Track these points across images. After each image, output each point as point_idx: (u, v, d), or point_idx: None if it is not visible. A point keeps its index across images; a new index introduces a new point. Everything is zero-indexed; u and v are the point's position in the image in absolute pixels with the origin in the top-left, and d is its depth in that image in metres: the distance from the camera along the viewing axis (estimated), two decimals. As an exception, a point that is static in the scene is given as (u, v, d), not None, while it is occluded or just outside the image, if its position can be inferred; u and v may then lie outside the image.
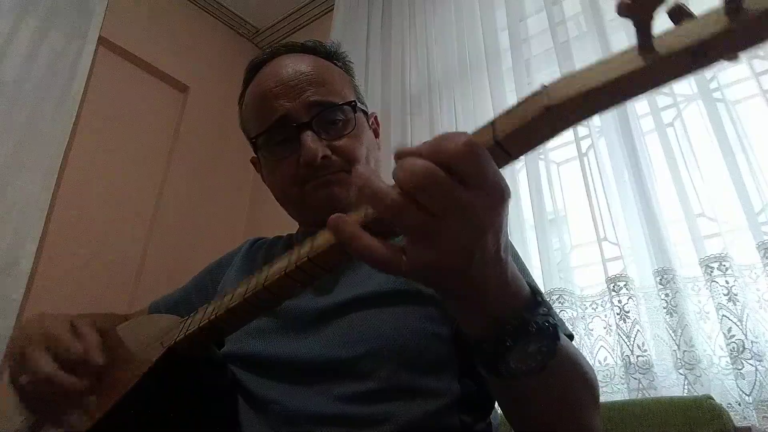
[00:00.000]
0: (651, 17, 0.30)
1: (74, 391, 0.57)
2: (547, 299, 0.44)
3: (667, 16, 0.31)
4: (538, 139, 0.36)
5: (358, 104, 0.78)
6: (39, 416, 0.61)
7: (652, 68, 0.31)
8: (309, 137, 0.71)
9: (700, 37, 0.30)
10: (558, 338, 0.42)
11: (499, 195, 0.36)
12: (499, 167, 0.37)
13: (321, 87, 0.74)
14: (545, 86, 0.35)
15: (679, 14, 0.31)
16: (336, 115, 0.74)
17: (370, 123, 0.84)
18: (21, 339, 0.63)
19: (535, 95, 0.35)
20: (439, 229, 0.35)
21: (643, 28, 0.31)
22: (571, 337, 0.65)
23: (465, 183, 0.35)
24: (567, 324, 1.22)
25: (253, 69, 0.81)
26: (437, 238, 0.36)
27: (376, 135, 0.86)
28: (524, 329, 0.40)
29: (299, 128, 0.72)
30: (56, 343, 0.59)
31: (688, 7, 0.31)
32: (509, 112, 0.36)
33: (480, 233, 0.36)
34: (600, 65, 0.33)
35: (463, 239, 0.36)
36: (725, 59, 0.31)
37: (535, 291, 0.43)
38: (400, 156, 0.37)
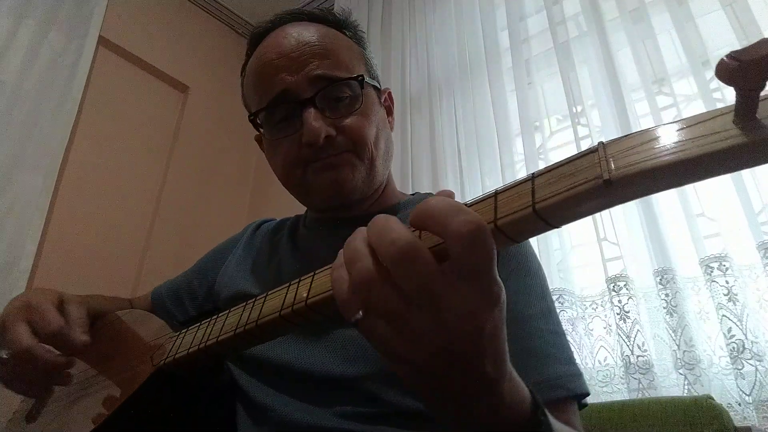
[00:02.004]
0: (762, 86, 0.23)
1: (51, 365, 0.56)
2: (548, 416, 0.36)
3: None
4: (587, 211, 0.30)
5: (367, 79, 0.70)
6: (16, 391, 0.60)
7: (756, 147, 0.23)
8: (311, 115, 0.64)
9: None
10: None
11: (489, 299, 0.30)
12: (535, 234, 0.32)
13: (326, 59, 0.67)
14: (603, 145, 0.29)
15: None
16: (342, 91, 0.67)
17: (383, 100, 0.77)
18: (4, 313, 0.62)
19: (590, 155, 0.29)
20: (406, 318, 0.30)
21: (748, 97, 0.24)
22: (586, 394, 0.56)
23: (456, 272, 0.30)
24: (569, 328, 1.20)
25: (256, 39, 0.74)
26: (402, 326, 0.31)
27: (389, 113, 0.79)
28: None
29: (301, 105, 0.66)
30: (37, 316, 0.58)
31: None
32: (554, 173, 0.30)
33: (456, 341, 0.30)
34: (678, 131, 0.26)
35: (432, 341, 0.30)
36: None
37: (537, 405, 0.35)
38: (416, 220, 0.32)
